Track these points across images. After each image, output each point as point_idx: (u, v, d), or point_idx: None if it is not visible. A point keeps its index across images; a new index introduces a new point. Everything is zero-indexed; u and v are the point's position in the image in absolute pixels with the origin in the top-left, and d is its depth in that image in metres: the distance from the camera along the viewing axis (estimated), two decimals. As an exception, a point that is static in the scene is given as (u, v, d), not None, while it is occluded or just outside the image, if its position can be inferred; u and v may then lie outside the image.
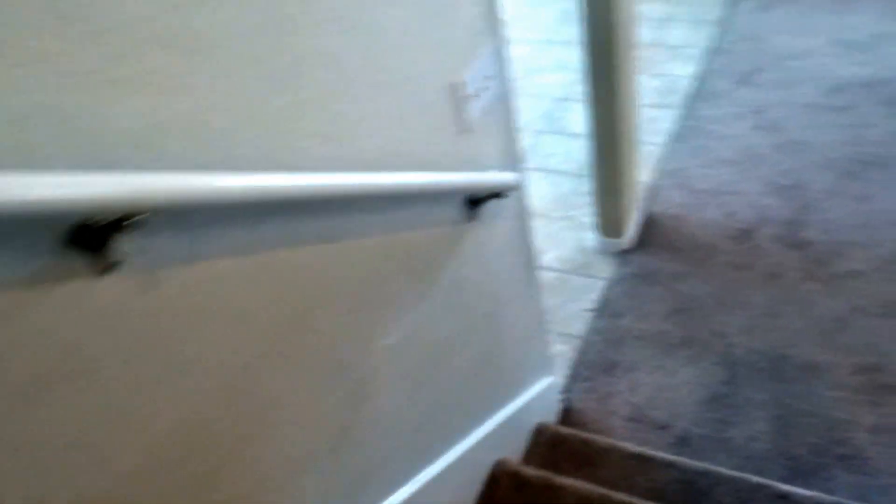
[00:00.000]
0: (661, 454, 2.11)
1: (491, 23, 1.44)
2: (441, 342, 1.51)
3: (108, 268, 0.72)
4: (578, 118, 3.71)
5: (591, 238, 3.01)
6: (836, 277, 2.72)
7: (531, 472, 1.91)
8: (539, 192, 3.33)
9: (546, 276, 2.89)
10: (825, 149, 3.32)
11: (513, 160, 1.64)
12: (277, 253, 0.98)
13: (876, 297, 2.62)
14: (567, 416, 2.42)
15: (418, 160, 1.27)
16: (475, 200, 1.48)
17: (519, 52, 4.39)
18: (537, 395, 2.17)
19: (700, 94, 3.84)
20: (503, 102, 1.56)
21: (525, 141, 3.64)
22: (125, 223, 0.69)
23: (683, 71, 4.03)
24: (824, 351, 2.49)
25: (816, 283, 2.71)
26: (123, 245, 0.72)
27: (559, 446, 2.11)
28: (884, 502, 2.13)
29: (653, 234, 3.02)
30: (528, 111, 3.84)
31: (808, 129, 3.46)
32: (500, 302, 1.79)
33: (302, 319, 1.05)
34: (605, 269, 2.90)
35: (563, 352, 2.61)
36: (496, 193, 1.50)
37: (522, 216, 1.82)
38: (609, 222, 2.90)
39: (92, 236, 0.69)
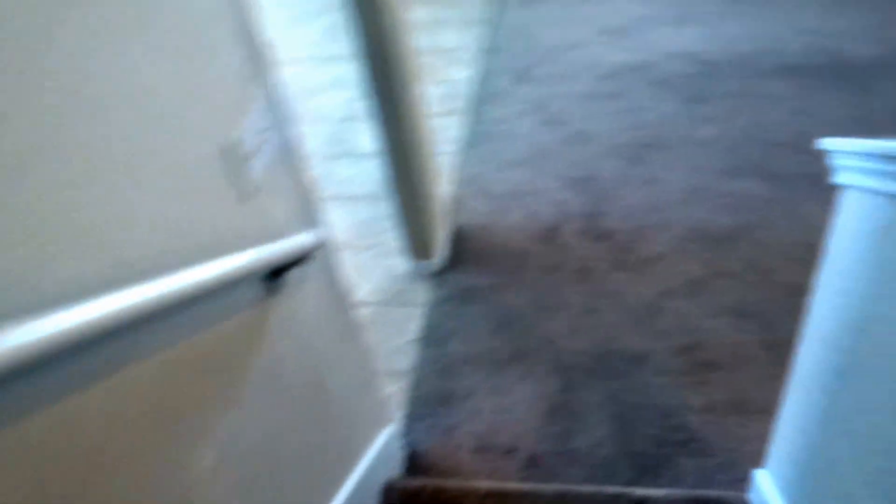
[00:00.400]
0: (514, 486, 2.05)
1: (260, 66, 1.27)
2: (267, 436, 1.33)
3: None
4: (367, 137, 3.60)
5: (402, 263, 2.91)
6: (641, 263, 2.82)
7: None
8: (339, 221, 3.18)
9: (363, 313, 2.75)
10: (609, 136, 3.46)
11: (311, 215, 1.48)
12: (33, 421, 0.75)
13: (678, 277, 2.75)
14: (414, 462, 2.30)
15: (198, 244, 1.07)
16: (276, 271, 1.31)
17: (291, 75, 4.21)
18: (381, 450, 2.03)
19: (483, 95, 3.87)
20: (288, 152, 1.39)
21: (315, 169, 3.47)
22: None
23: (463, 74, 4.06)
24: (644, 339, 2.56)
25: (624, 272, 2.80)
26: None
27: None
28: (725, 479, 2.22)
29: (463, 248, 2.98)
30: (312, 137, 3.67)
31: (590, 118, 3.60)
32: (323, 369, 1.62)
33: (93, 474, 0.83)
34: (423, 294, 2.81)
35: (395, 392, 2.49)
36: (298, 259, 1.33)
37: (332, 272, 1.66)
38: (417, 244, 2.82)
39: None
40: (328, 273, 1.63)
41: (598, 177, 3.24)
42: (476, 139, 3.57)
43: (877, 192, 1.18)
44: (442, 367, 2.55)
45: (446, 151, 3.49)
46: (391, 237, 3.02)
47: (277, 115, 1.34)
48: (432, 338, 2.65)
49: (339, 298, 1.72)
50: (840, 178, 1.34)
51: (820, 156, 3.40)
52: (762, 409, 2.31)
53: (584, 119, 3.59)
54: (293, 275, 1.37)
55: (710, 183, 3.13)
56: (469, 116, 3.73)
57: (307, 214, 1.46)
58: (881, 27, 3.96)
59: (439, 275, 2.88)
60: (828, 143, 1.31)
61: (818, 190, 3.05)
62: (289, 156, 1.40)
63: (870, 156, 1.16)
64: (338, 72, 4.19)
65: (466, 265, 2.90)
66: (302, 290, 1.47)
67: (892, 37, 3.88)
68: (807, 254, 2.78)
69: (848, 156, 1.25)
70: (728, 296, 2.66)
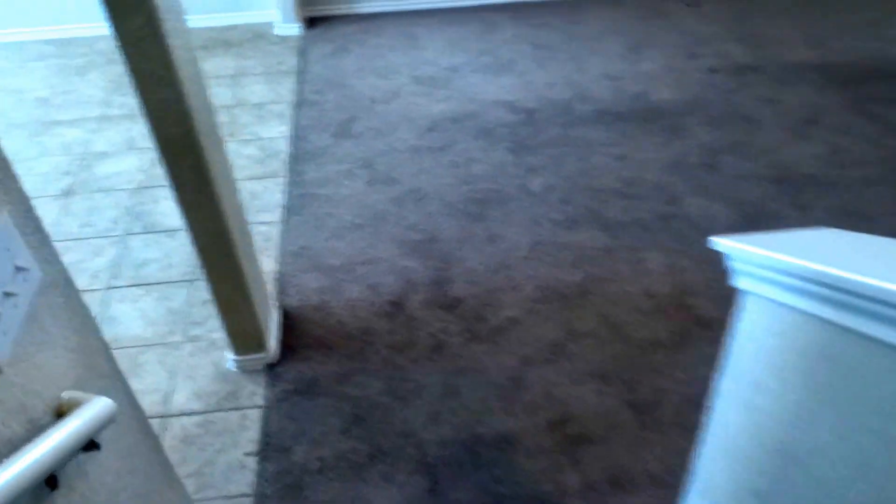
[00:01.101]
0: None
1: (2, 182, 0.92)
2: None
3: None
4: (171, 207, 3.20)
5: (228, 359, 2.55)
6: (496, 332, 2.68)
7: None
8: (145, 314, 2.75)
9: (184, 425, 2.36)
10: (443, 193, 3.32)
11: (101, 373, 1.12)
12: None
13: (537, 342, 2.63)
14: None
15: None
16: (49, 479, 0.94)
17: (71, 138, 3.70)
18: None
19: (301, 154, 3.60)
20: (55, 288, 1.03)
21: (108, 252, 3.01)
22: None
23: (276, 131, 3.77)
24: (511, 417, 2.40)
25: (480, 342, 2.64)
26: None
27: None
28: (617, 569, 2.09)
29: (298, 334, 2.67)
30: (102, 213, 3.21)
31: (421, 174, 3.44)
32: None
33: None
34: (257, 394, 2.47)
35: (233, 521, 2.12)
36: (86, 446, 0.97)
37: (145, 432, 1.30)
38: (243, 335, 2.48)
39: None
40: (136, 450, 1.27)
41: (438, 238, 3.07)
42: (299, 204, 3.28)
43: (784, 305, 1.06)
44: (289, 482, 2.22)
45: (266, 221, 3.17)
46: (211, 327, 2.65)
47: (37, 241, 0.99)
48: (274, 446, 2.31)
49: (154, 479, 1.36)
50: (739, 282, 1.23)
51: (646, 200, 3.41)
52: (641, 481, 2.22)
53: (415, 175, 3.43)
54: (81, 470, 1.02)
55: (551, 236, 3.07)
56: (289, 178, 3.44)
57: (92, 372, 1.10)
58: (678, 70, 4.18)
59: (273, 368, 2.55)
60: (723, 245, 1.19)
61: (650, 236, 3.08)
62: (57, 290, 1.05)
63: (768, 266, 1.05)
64: (128, 132, 3.73)
65: (304, 353, 2.60)
66: (101, 477, 1.11)
67: (689, 81, 4.10)
68: (652, 305, 2.77)
69: (744, 261, 1.14)
70: (588, 358, 2.57)
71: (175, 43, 1.82)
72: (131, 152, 3.59)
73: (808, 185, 3.35)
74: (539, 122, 3.82)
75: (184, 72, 1.89)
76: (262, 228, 3.12)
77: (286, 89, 4.10)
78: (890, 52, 4.29)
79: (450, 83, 4.14)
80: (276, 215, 3.21)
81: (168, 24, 1.77)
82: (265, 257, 2.96)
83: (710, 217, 3.18)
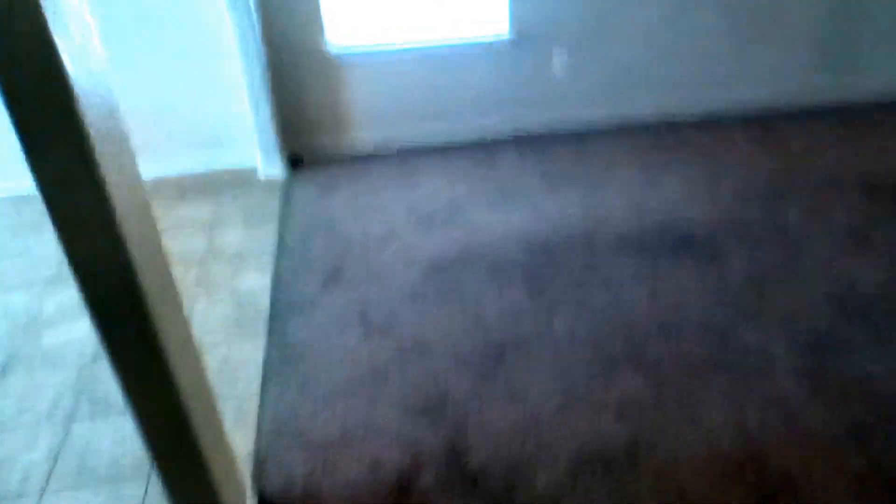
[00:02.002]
0: None
1: None
2: None
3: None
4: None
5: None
6: (532, 516, 2.17)
7: None
8: (88, 515, 2.25)
9: None
10: (452, 344, 2.91)
11: None
12: None
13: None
14: None
15: None
16: None
17: (15, 305, 3.32)
18: None
19: (287, 307, 3.21)
20: None
21: (46, 442, 2.54)
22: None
23: (255, 283, 3.40)
24: None
25: (513, 532, 2.13)
26: None
27: None
28: None
29: (281, 534, 2.17)
30: (43, 391, 2.77)
31: (424, 324, 3.04)
32: None
33: None
34: None
35: None
36: None
37: None
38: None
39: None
40: None
41: (449, 399, 2.62)
42: (284, 366, 2.85)
43: None
44: None
45: (241, 393, 2.73)
46: (170, 531, 2.14)
47: None
48: None
49: None
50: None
51: (691, 338, 2.95)
52: None
53: (418, 325, 3.03)
54: None
55: (585, 387, 2.64)
56: (272, 337, 3.03)
57: None
58: (707, 193, 3.88)
59: (249, 584, 2.03)
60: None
61: (702, 381, 2.64)
62: None
63: None
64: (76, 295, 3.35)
65: (289, 561, 2.09)
66: None
67: (722, 200, 3.78)
68: (721, 468, 2.28)
69: None
70: (657, 549, 2.06)
71: (113, 179, 1.46)
72: (84, 318, 3.19)
73: (875, 307, 2.94)
74: (557, 256, 3.46)
75: (125, 215, 1.52)
76: (236, 401, 2.67)
77: (267, 236, 3.77)
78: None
79: (452, 219, 3.82)
80: (253, 383, 2.77)
81: (104, 157, 1.42)
82: (239, 436, 2.49)
83: (769, 354, 2.74)
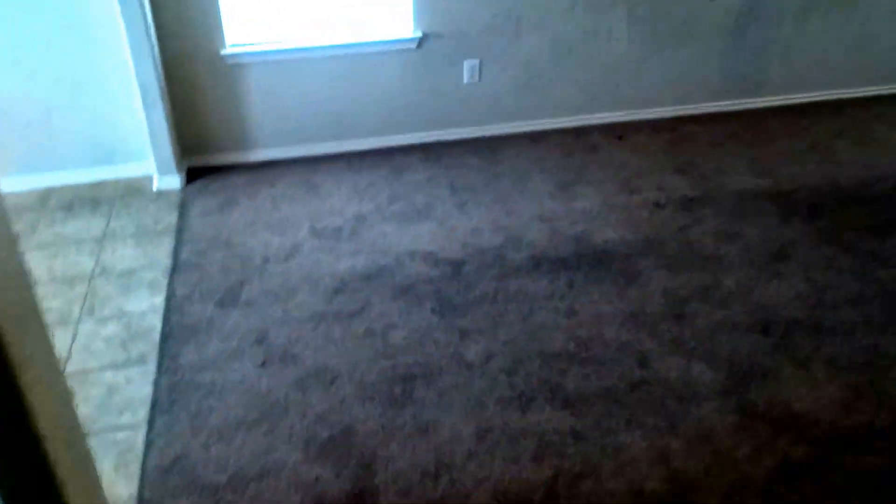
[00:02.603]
0: None
1: None
2: None
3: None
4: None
5: None
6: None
7: None
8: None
9: None
10: (357, 371, 2.77)
11: None
12: None
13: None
14: None
15: None
16: None
17: None
18: None
19: (176, 332, 3.01)
20: None
21: None
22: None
23: (146, 304, 3.18)
24: None
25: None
26: None
27: None
28: None
29: (165, 592, 1.99)
30: None
31: (327, 349, 2.89)
32: None
33: None
34: None
35: None
36: None
37: None
38: None
39: None
40: None
41: (355, 432, 2.49)
42: (172, 398, 2.66)
43: None
44: None
45: (123, 426, 2.52)
46: None
47: None
48: None
49: None
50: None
51: (611, 364, 2.87)
52: None
53: (320, 351, 2.88)
54: None
55: (501, 421, 2.55)
56: (162, 363, 2.82)
57: None
58: (621, 206, 3.86)
59: None
60: None
61: (624, 411, 2.59)
62: None
63: None
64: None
65: None
66: None
67: (633, 218, 3.77)
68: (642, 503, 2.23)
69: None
70: None
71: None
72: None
73: (797, 331, 2.96)
74: (467, 275, 3.37)
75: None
76: (120, 436, 2.47)
77: (161, 252, 3.55)
78: (842, 175, 4.12)
79: (358, 235, 3.68)
80: (139, 415, 2.57)
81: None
82: (120, 477, 2.30)
83: (692, 380, 2.72)
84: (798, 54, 4.86)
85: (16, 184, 4.06)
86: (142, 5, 3.65)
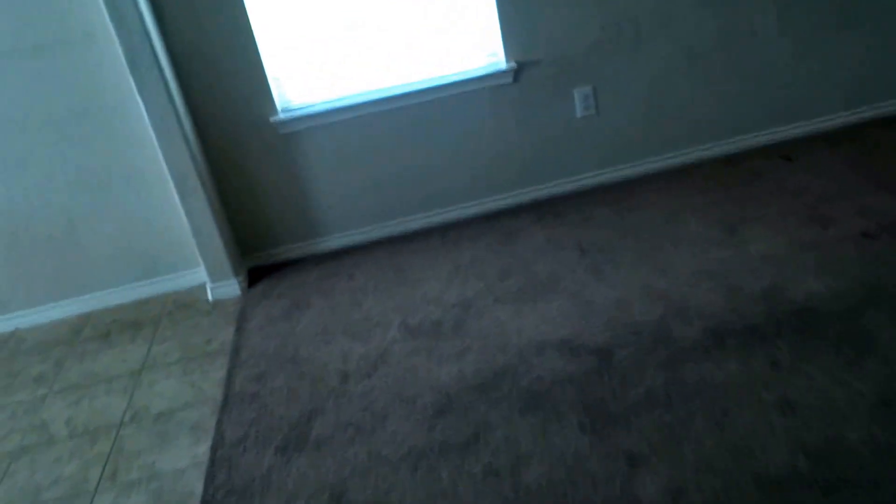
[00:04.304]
0: None
1: None
2: None
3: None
4: None
5: None
6: None
7: None
8: None
9: None
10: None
11: None
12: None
13: None
14: None
15: None
16: None
17: None
18: None
19: (220, 497, 2.17)
20: None
21: None
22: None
23: (186, 458, 2.40)
24: None
25: None
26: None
27: None
28: None
29: None
30: None
31: (432, 503, 1.97)
32: None
33: None
34: None
35: None
36: None
37: None
38: None
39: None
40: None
41: None
42: None
43: None
44: None
45: None
46: None
47: None
48: None
49: None
50: None
51: (872, 489, 1.59)
52: None
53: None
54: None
55: None
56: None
57: None
58: (813, 245, 2.83)
59: None
60: None
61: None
62: None
63: None
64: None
65: None
66: None
67: (845, 259, 2.73)
68: None
69: None
70: None
71: None
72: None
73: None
74: (621, 366, 2.42)
75: None
76: None
77: (211, 381, 2.77)
78: None
79: (463, 327, 2.80)
80: None
81: None
82: None
83: None
84: None
85: (45, 314, 3.42)
86: (162, 76, 2.99)
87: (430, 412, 2.39)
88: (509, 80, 3.48)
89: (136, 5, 2.88)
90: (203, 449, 2.41)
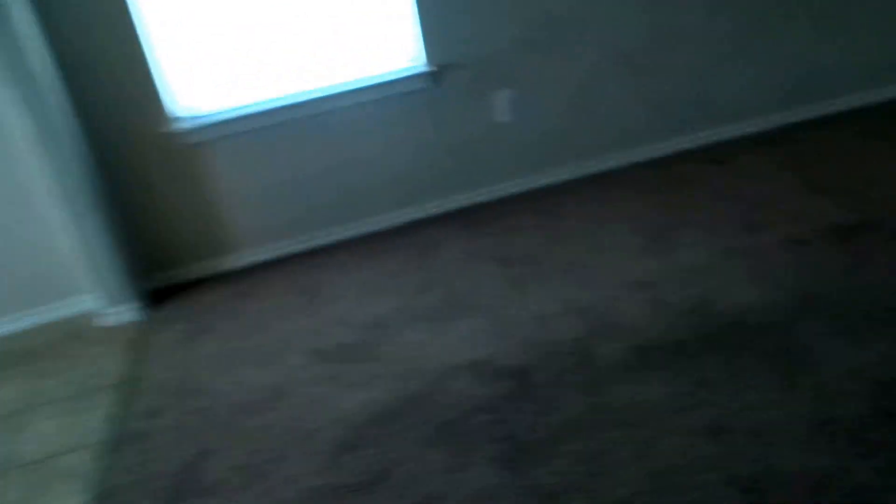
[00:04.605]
0: None
1: None
2: None
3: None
4: None
5: None
6: None
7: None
8: None
9: None
10: None
11: None
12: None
13: None
14: None
15: None
16: None
17: None
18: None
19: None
20: None
21: None
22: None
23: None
24: None
25: None
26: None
27: None
28: None
29: None
30: None
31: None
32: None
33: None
34: None
35: None
36: None
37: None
38: None
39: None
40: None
41: None
42: None
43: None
44: None
45: None
46: None
47: None
48: None
49: None
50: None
51: None
52: None
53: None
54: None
55: None
56: None
57: None
58: (744, 253, 2.71)
59: None
60: None
61: None
62: None
63: None
64: None
65: None
66: None
67: (778, 267, 2.62)
68: None
69: None
70: None
71: None
72: None
73: None
74: (540, 389, 2.24)
75: None
76: None
77: (96, 420, 2.51)
78: None
79: (375, 350, 2.60)
80: None
81: None
82: None
83: None
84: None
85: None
86: (46, 87, 2.72)
87: (332, 448, 2.17)
88: (429, 83, 3.30)
89: (9, 14, 2.62)
90: (78, 502, 2.16)
